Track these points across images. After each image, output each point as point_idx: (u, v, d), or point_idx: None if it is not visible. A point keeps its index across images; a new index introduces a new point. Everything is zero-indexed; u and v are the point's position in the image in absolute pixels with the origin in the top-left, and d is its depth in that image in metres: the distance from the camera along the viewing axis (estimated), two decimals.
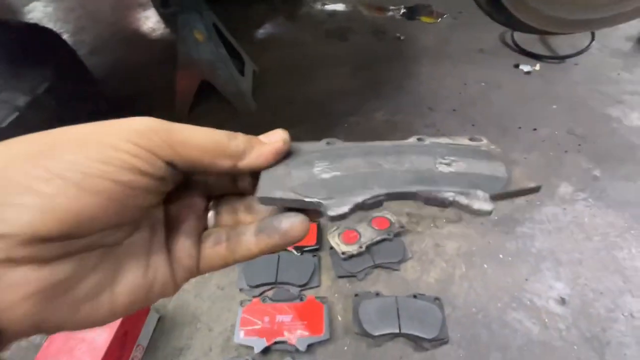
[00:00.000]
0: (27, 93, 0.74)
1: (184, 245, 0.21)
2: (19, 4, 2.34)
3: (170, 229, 0.22)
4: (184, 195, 0.23)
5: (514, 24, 0.68)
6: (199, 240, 0.22)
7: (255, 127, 1.09)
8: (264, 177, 0.22)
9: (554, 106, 1.19)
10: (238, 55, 1.36)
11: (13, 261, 0.15)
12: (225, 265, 0.22)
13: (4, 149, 0.16)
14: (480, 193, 0.21)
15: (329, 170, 0.23)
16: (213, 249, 0.22)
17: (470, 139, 0.26)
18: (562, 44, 1.42)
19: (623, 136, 1.08)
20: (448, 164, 0.23)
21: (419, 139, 0.26)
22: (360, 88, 1.34)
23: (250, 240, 0.22)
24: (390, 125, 1.17)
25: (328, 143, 0.25)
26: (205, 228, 0.24)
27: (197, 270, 0.22)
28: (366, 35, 1.63)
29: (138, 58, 1.67)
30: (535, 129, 1.11)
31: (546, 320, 0.70)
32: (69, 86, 0.85)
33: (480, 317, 0.71)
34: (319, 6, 1.89)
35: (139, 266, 0.20)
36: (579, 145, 1.05)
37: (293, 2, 1.98)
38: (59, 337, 0.61)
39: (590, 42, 1.37)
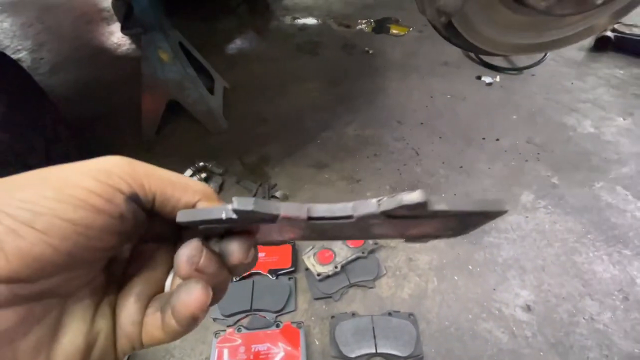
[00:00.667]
0: None
1: (129, 310, 0.19)
2: None
3: (124, 285, 0.20)
4: (147, 250, 0.21)
5: (471, 49, 0.71)
6: (145, 307, 0.20)
7: (227, 146, 1.10)
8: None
9: (514, 116, 1.26)
10: (207, 72, 1.35)
11: None
12: (158, 340, 0.19)
13: None
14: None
15: None
16: (152, 317, 0.19)
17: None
18: (523, 55, 1.50)
19: (578, 144, 1.15)
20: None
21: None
22: (331, 103, 1.36)
23: (165, 315, 0.19)
24: (361, 140, 1.20)
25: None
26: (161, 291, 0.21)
27: (139, 343, 0.19)
28: (336, 50, 1.65)
29: (102, 76, 1.62)
30: (498, 139, 1.16)
31: (514, 328, 0.73)
32: (24, 115, 0.81)
33: (452, 330, 0.73)
34: (288, 20, 1.91)
35: (83, 325, 0.18)
36: (538, 154, 1.11)
37: (263, 16, 1.98)
38: None
39: (546, 54, 1.45)
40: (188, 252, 0.18)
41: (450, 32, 0.68)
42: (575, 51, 1.54)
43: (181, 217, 0.18)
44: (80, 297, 0.18)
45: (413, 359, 0.69)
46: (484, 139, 1.17)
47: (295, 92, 1.42)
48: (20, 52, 1.85)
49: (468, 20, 0.64)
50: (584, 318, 0.74)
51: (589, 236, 0.89)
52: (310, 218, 0.18)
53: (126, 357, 0.71)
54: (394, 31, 1.74)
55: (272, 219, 0.18)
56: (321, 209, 0.18)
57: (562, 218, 0.93)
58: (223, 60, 1.62)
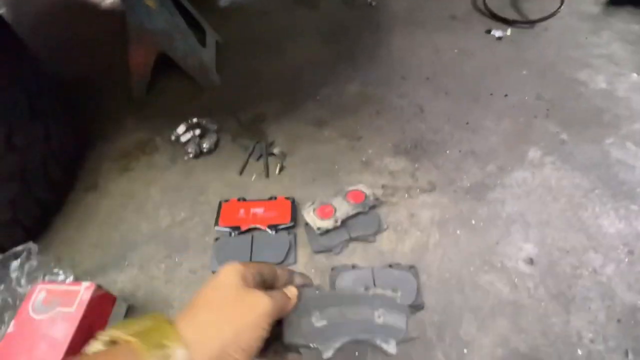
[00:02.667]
0: None
1: None
2: None
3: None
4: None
5: None
6: None
7: (221, 103, 1.04)
8: (285, 325, 0.38)
9: (524, 72, 1.20)
10: (198, 24, 1.26)
11: None
12: None
13: (218, 334, 0.31)
14: (392, 341, 0.41)
15: (320, 320, 0.40)
16: None
17: (393, 290, 0.45)
18: (533, 8, 1.40)
19: (589, 100, 1.10)
20: (379, 317, 0.42)
21: (365, 289, 0.44)
22: (331, 59, 1.29)
23: None
24: (363, 97, 1.14)
25: (317, 290, 0.42)
26: None
27: None
28: (336, 2, 1.55)
29: (87, 33, 1.52)
30: (506, 95, 1.11)
31: (516, 280, 0.72)
32: (3, 68, 0.75)
33: (453, 282, 0.73)
34: None
35: None
36: (548, 110, 1.07)
37: None
38: (16, 336, 0.57)
39: (560, 6, 1.36)
40: None
41: None
42: (591, 5, 1.44)
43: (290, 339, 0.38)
44: None
45: (414, 309, 0.68)
46: (491, 95, 1.12)
47: (292, 48, 1.34)
48: (1, 8, 1.73)
49: None
50: (587, 271, 0.74)
51: (596, 192, 0.86)
52: None
53: (125, 308, 0.71)
54: None
55: None
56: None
57: (570, 174, 0.90)
58: (215, 13, 1.52)
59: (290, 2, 1.56)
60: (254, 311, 0.33)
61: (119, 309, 0.68)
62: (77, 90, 1.23)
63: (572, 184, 0.88)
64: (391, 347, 0.42)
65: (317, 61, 1.29)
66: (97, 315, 0.62)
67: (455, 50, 1.28)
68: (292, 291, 0.38)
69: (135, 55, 1.10)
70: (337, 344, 0.41)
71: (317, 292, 0.42)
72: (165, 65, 1.18)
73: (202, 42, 1.20)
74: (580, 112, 1.06)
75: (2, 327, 0.68)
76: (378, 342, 0.42)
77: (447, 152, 0.97)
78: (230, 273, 0.34)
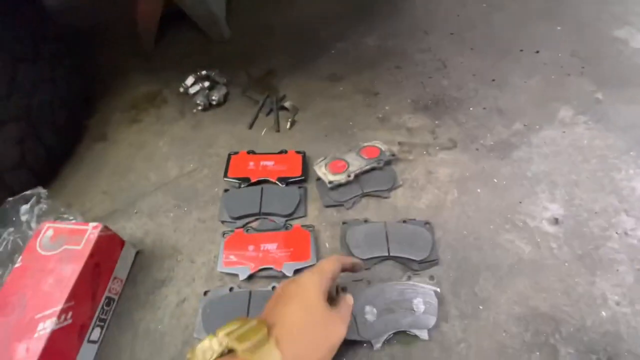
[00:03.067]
0: None
1: None
2: None
3: None
4: None
5: None
6: None
7: (231, 57, 0.98)
8: None
9: (559, 27, 1.10)
10: None
11: None
12: None
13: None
14: (425, 330, 0.56)
15: (371, 314, 0.56)
16: None
17: (430, 278, 0.61)
18: None
19: (628, 58, 1.00)
20: (417, 306, 0.57)
21: (408, 278, 0.60)
22: (347, 12, 1.21)
23: None
24: (382, 51, 1.07)
25: (368, 282, 0.60)
26: None
27: None
28: None
29: None
30: (537, 52, 1.02)
31: (538, 240, 0.68)
32: (3, 3, 0.71)
33: (471, 239, 0.69)
34: None
35: None
36: (583, 67, 0.98)
37: None
38: (23, 270, 0.56)
39: None
40: None
41: None
42: None
43: None
44: None
45: (427, 264, 0.66)
46: (521, 51, 1.03)
47: (306, 0, 1.26)
48: None
49: None
50: (616, 232, 0.69)
51: (631, 153, 0.80)
52: None
53: (134, 253, 0.70)
54: None
55: None
56: None
57: (603, 134, 0.83)
58: None
59: None
60: (335, 336, 0.42)
61: (128, 253, 0.68)
62: (85, 40, 1.19)
63: (605, 145, 0.82)
64: (424, 334, 0.57)
65: (333, 14, 1.21)
66: (105, 256, 0.61)
67: (484, 4, 1.18)
68: (350, 300, 0.49)
69: (143, 6, 1.04)
70: (385, 336, 0.56)
71: (367, 286, 0.59)
72: (173, 16, 1.13)
73: None
74: (618, 71, 0.97)
75: (12, 267, 0.69)
76: (415, 331, 0.57)
77: (471, 109, 0.91)
78: (316, 291, 0.43)
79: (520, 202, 0.73)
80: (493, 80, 0.96)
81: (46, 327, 0.51)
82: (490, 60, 1.02)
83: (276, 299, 0.45)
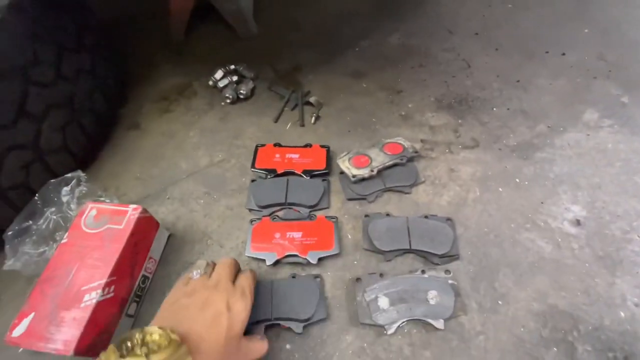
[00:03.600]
0: None
1: None
2: None
3: None
4: None
5: None
6: None
7: (258, 52, 1.02)
8: (359, 308, 0.62)
9: (586, 30, 1.09)
10: None
11: None
12: None
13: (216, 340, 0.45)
14: (440, 320, 0.59)
15: (385, 303, 0.61)
16: None
17: (445, 272, 0.64)
18: None
19: None
20: (432, 298, 0.61)
21: (422, 271, 0.64)
22: (372, 9, 1.22)
23: None
24: (406, 49, 1.08)
25: (381, 275, 0.64)
26: None
27: None
28: None
29: None
30: (563, 54, 1.02)
31: (559, 240, 0.69)
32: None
33: (492, 237, 0.71)
34: None
35: None
36: (609, 71, 0.97)
37: None
38: (70, 247, 0.61)
39: None
40: None
41: None
42: None
43: None
44: None
45: (448, 259, 0.67)
46: (547, 52, 1.03)
47: None
48: None
49: None
50: (638, 236, 0.69)
51: None
52: None
53: (167, 236, 0.74)
54: None
55: None
56: None
57: (628, 138, 0.83)
58: None
59: None
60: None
61: (162, 235, 0.72)
62: (120, 30, 1.24)
63: (630, 149, 0.81)
64: (440, 324, 0.59)
65: (358, 11, 1.23)
66: (142, 236, 0.65)
67: (510, 5, 1.18)
68: (263, 349, 0.55)
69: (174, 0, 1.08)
70: (398, 323, 0.59)
71: (380, 278, 0.63)
72: (203, 10, 1.16)
73: None
74: None
75: (54, 245, 0.73)
76: (430, 320, 0.59)
77: (494, 109, 0.91)
78: (243, 322, 0.49)
79: (542, 203, 0.74)
80: (518, 81, 0.97)
81: (92, 298, 0.55)
82: (515, 61, 1.02)
83: (201, 307, 0.48)
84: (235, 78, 1.02)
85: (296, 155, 0.84)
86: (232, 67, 1.04)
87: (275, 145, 0.87)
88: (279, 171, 0.81)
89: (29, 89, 0.70)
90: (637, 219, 0.71)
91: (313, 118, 0.94)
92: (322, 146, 0.86)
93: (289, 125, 0.94)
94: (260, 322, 0.59)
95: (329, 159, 0.84)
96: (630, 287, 0.64)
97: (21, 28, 0.69)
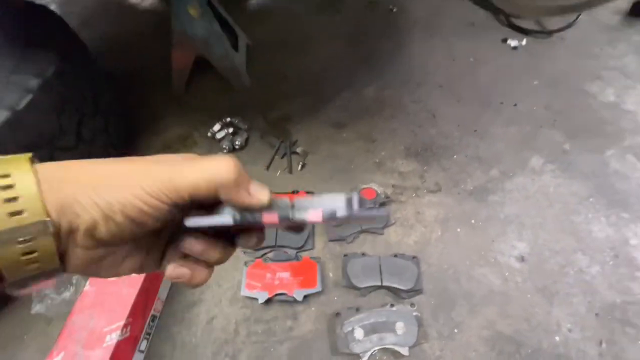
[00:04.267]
0: (37, 76, 0.79)
1: (167, 262, 0.29)
2: None
3: (167, 246, 0.30)
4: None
5: (500, 12, 0.73)
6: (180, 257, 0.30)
7: (251, 102, 1.19)
8: (334, 337, 0.71)
9: (536, 82, 1.26)
10: (231, 29, 1.38)
11: (77, 245, 0.24)
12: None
13: (77, 175, 0.25)
14: (406, 347, 0.72)
15: (359, 334, 0.74)
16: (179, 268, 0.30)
17: (411, 305, 0.76)
18: (552, 17, 1.44)
19: (597, 112, 1.15)
20: (399, 329, 0.74)
21: (391, 306, 0.78)
22: (352, 62, 1.38)
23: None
24: (380, 100, 1.24)
25: (357, 309, 0.74)
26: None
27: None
28: (359, 7, 1.63)
29: (130, 30, 1.67)
30: (515, 105, 1.18)
31: (506, 274, 0.82)
32: (73, 68, 0.89)
33: (450, 272, 0.83)
34: None
35: (138, 261, 0.29)
36: (555, 120, 1.13)
37: None
38: (91, 293, 0.71)
39: (578, 16, 1.40)
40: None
41: None
42: (610, 15, 1.46)
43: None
44: (140, 246, 0.29)
45: (413, 293, 0.80)
46: (501, 103, 1.19)
47: (316, 51, 1.44)
48: (51, 5, 1.90)
49: None
50: (573, 270, 0.82)
51: (590, 199, 0.94)
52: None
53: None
54: None
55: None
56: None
57: (568, 182, 0.98)
58: (245, 15, 1.63)
59: (315, 6, 1.65)
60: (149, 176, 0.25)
61: None
62: (124, 84, 1.38)
63: (569, 192, 0.96)
64: (405, 351, 0.71)
65: (339, 64, 1.38)
66: (152, 281, 0.76)
67: (471, 59, 1.35)
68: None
69: (177, 57, 1.23)
70: (371, 352, 0.71)
71: (356, 312, 0.72)
72: (202, 65, 1.31)
73: (235, 46, 1.32)
74: (586, 123, 1.12)
75: (72, 287, 0.84)
76: (397, 348, 0.70)
77: (455, 156, 1.06)
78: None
79: (493, 241, 0.88)
80: (475, 130, 1.12)
81: (112, 338, 0.65)
82: (473, 111, 1.17)
83: None
84: (231, 130, 1.15)
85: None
86: (229, 119, 1.18)
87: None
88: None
89: (54, 155, 0.82)
90: (573, 254, 0.85)
91: (300, 165, 1.07)
92: (308, 192, 0.98)
93: (279, 172, 1.07)
94: None
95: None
96: (565, 315, 0.77)
97: (49, 104, 0.82)
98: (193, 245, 0.28)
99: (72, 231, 0.24)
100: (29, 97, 0.76)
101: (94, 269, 0.26)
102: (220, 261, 0.30)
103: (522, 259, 0.84)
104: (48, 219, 0.22)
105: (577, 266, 0.83)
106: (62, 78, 0.85)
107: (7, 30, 0.83)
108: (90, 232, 0.24)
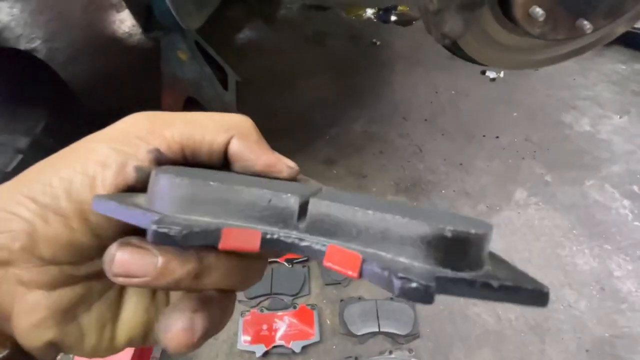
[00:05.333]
0: (26, 134, 0.78)
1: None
2: None
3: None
4: None
5: (475, 62, 0.77)
6: None
7: None
8: None
9: (515, 113, 1.32)
10: (220, 67, 1.40)
11: (24, 285, 0.15)
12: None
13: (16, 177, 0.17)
14: None
15: None
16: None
17: (409, 351, 0.60)
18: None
19: (573, 142, 1.21)
20: None
21: (390, 352, 0.64)
22: (339, 97, 1.42)
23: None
24: (368, 136, 1.27)
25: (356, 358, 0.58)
26: None
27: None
28: (344, 41, 1.68)
29: (117, 67, 1.67)
30: (497, 137, 1.23)
31: (499, 312, 0.84)
32: (63, 120, 0.89)
33: (446, 313, 0.84)
34: (296, 8, 1.92)
35: (144, 299, 0.18)
36: (535, 152, 1.18)
37: (270, 3, 1.98)
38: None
39: None
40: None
41: (454, 48, 0.74)
42: None
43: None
44: None
45: (411, 337, 0.80)
46: (484, 136, 1.24)
47: (304, 86, 1.47)
48: (35, 42, 1.89)
49: (470, 41, 0.70)
50: (562, 305, 0.85)
51: (574, 231, 0.98)
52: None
53: None
54: (401, 9, 1.75)
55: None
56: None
57: (551, 214, 1.02)
58: (233, 51, 1.66)
59: (301, 41, 1.70)
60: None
61: None
62: (112, 123, 1.37)
63: (552, 224, 1.00)
64: None
65: (327, 99, 1.42)
66: None
67: (453, 91, 1.40)
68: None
69: (167, 99, 1.23)
70: None
71: None
72: (191, 102, 1.32)
73: (225, 84, 1.34)
74: (565, 154, 1.17)
75: None
76: None
77: (443, 191, 1.09)
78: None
79: None
80: (461, 164, 1.16)
81: None
82: (458, 144, 1.22)
83: None
84: None
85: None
86: None
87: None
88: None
89: None
90: (561, 289, 0.88)
91: None
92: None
93: None
94: None
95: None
96: (557, 353, 0.79)
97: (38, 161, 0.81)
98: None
99: (4, 263, 0.15)
100: (18, 158, 0.75)
101: (70, 334, 0.16)
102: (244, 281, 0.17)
103: None
104: None
105: (566, 301, 0.86)
106: (51, 132, 0.84)
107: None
108: (29, 248, 0.15)
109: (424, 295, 0.12)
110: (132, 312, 0.18)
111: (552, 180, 1.10)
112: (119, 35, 1.87)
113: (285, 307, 0.85)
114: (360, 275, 0.12)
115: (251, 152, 0.19)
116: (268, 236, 0.14)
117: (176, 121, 0.18)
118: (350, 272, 0.12)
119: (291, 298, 0.87)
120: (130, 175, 0.16)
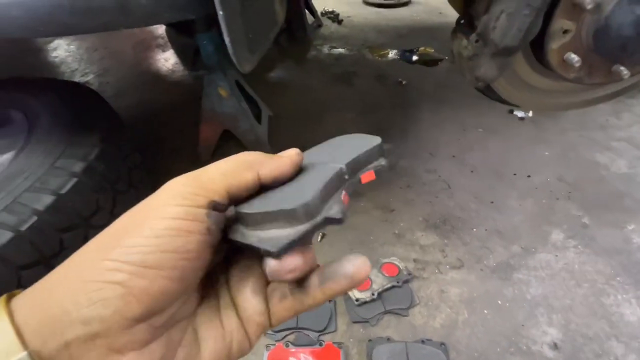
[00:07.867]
0: (81, 159, 0.85)
1: (252, 304, 0.22)
2: (42, 41, 2.50)
3: (235, 290, 0.23)
4: (240, 257, 0.24)
5: (509, 104, 0.79)
6: (265, 296, 0.23)
7: None
8: None
9: (546, 153, 1.30)
10: (255, 102, 1.49)
11: (116, 351, 0.17)
12: (294, 314, 0.23)
13: (78, 252, 0.19)
14: None
15: None
16: (281, 304, 0.23)
17: None
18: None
19: (610, 183, 1.17)
20: None
21: None
22: (365, 132, 1.45)
23: (316, 290, 0.22)
24: (395, 170, 1.28)
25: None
26: (268, 282, 0.24)
27: (269, 325, 0.23)
28: (370, 80, 1.76)
29: (160, 100, 1.80)
30: (529, 176, 1.21)
31: None
32: (113, 148, 0.96)
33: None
34: (325, 50, 2.04)
35: (216, 331, 0.21)
36: (570, 192, 1.15)
37: (301, 45, 2.13)
38: None
39: None
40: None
41: (486, 91, 0.76)
42: None
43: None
44: (203, 309, 0.22)
45: None
46: (515, 174, 1.22)
47: (332, 122, 1.53)
48: (88, 76, 2.09)
49: (503, 84, 0.73)
50: (609, 359, 0.78)
51: (618, 279, 0.92)
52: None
53: None
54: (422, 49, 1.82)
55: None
56: None
57: (592, 259, 0.97)
58: (266, 88, 1.76)
59: (329, 80, 1.79)
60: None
61: None
62: (153, 151, 1.46)
63: (594, 270, 0.94)
64: None
65: (354, 133, 1.46)
66: None
67: (480, 129, 1.41)
68: (288, 151, 0.27)
69: (205, 131, 1.31)
70: None
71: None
72: (226, 134, 1.40)
73: (258, 118, 1.41)
74: (602, 196, 1.13)
75: None
76: None
77: (474, 229, 1.06)
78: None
79: (523, 325, 0.85)
80: (492, 202, 1.14)
81: None
82: (488, 182, 1.20)
83: None
84: None
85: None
86: None
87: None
88: None
89: (88, 233, 0.85)
90: (607, 341, 0.81)
91: (319, 237, 1.09)
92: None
93: None
94: None
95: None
96: None
97: (90, 186, 0.86)
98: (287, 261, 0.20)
99: (88, 339, 0.16)
100: (73, 181, 0.81)
101: None
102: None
103: (555, 346, 0.81)
104: (23, 352, 0.16)
105: (614, 355, 0.79)
106: (103, 159, 0.90)
107: (58, 114, 0.92)
108: (122, 310, 0.17)
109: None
110: (212, 344, 0.21)
111: (590, 222, 1.06)
112: (163, 72, 2.04)
113: (310, 343, 0.83)
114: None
115: (277, 171, 0.24)
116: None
117: (216, 175, 0.23)
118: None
119: (317, 334, 0.85)
120: (205, 221, 0.20)
